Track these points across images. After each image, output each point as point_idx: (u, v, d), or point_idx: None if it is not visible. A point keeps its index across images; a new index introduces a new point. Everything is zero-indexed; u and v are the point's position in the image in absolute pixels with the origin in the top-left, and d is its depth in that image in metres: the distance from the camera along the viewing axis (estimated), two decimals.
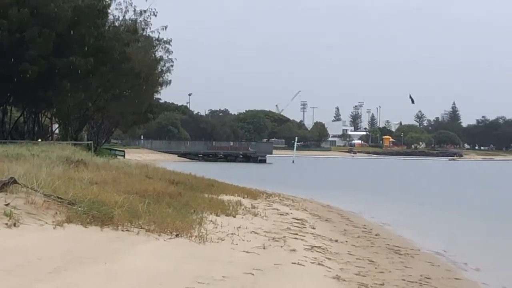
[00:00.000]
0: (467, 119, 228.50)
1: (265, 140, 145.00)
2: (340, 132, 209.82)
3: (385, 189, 50.52)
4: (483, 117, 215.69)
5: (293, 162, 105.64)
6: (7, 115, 49.09)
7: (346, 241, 18.37)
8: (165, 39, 59.13)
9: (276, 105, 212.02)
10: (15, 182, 12.84)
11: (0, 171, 15.12)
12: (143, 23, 54.95)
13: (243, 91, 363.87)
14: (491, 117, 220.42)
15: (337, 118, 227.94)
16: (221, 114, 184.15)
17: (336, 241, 17.71)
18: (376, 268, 13.80)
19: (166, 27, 57.97)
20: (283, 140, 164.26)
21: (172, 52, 60.66)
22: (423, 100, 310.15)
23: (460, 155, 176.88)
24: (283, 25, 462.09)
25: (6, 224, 10.74)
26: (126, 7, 53.10)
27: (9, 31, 39.31)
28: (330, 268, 12.36)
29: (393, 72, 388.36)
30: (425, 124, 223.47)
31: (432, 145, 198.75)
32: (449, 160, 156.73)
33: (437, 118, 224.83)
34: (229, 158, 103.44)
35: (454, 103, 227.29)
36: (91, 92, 48.32)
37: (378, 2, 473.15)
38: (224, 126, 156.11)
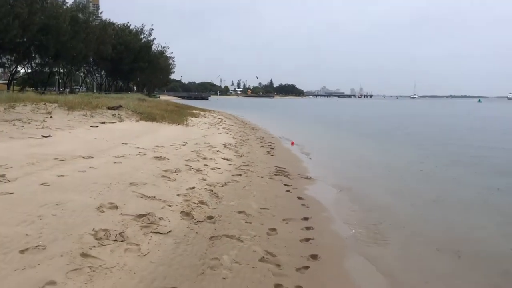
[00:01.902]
0: (276, 84, 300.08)
1: (208, 92, 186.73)
2: (233, 89, 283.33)
3: (251, 109, 64.22)
4: (280, 84, 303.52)
5: (217, 99, 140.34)
6: (117, 84, 67.97)
7: (236, 125, 24.02)
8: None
9: (220, 78, 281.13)
10: (120, 106, 17.38)
11: (116, 102, 18.83)
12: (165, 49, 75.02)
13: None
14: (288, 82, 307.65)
15: (232, 84, 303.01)
16: (192, 82, 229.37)
17: (232, 125, 23.04)
18: (246, 134, 19.12)
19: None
20: (213, 92, 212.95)
21: (174, 57, 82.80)
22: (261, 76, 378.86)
23: (272, 97, 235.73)
24: None
25: (119, 120, 15.38)
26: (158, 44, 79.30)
27: (118, 51, 55.61)
28: (231, 134, 17.65)
29: (255, 59, 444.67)
30: (262, 86, 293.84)
31: (262, 93, 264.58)
32: (270, 98, 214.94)
33: (266, 84, 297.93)
34: (195, 98, 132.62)
35: (271, 80, 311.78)
36: (149, 76, 70.69)
37: None
38: (193, 87, 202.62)
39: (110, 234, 4.51)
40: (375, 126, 30.25)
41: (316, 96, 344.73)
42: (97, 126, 13.45)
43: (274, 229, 5.60)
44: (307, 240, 5.39)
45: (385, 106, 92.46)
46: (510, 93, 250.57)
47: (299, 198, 7.66)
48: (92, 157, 8.34)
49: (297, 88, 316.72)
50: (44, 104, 16.18)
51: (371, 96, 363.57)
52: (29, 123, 12.08)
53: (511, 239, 6.18)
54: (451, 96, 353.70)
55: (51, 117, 13.71)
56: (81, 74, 67.40)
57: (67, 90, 51.68)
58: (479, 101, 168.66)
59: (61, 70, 52.86)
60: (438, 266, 5.05)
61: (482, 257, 5.41)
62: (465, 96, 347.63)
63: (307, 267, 4.54)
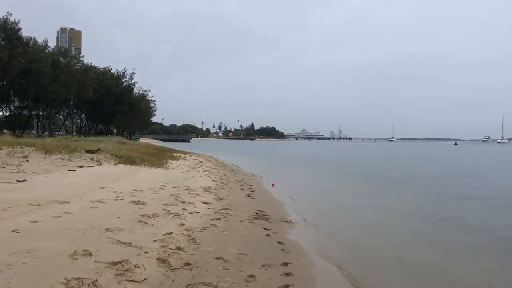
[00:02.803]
0: (257, 126, 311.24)
1: (189, 134, 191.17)
2: (215, 131, 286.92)
3: (232, 151, 64.35)
4: (261, 127, 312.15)
5: (199, 142, 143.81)
6: (98, 127, 67.17)
7: (216, 167, 23.81)
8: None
9: (201, 121, 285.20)
10: (99, 149, 17.18)
11: (95, 145, 18.84)
12: (146, 92, 75.05)
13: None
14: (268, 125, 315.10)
15: (214, 126, 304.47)
16: (174, 124, 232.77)
17: (213, 168, 22.91)
18: (226, 176, 18.95)
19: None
20: (195, 134, 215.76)
21: (155, 101, 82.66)
22: (242, 119, 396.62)
23: (254, 139, 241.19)
24: None
25: (97, 164, 15.17)
26: (140, 88, 74.75)
27: (99, 94, 55.73)
28: (211, 177, 17.52)
29: (236, 102, 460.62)
30: (243, 128, 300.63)
31: (243, 135, 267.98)
32: (251, 140, 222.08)
33: (247, 126, 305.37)
34: (176, 140, 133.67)
35: (252, 122, 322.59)
36: (129, 119, 69.42)
37: None
38: (174, 129, 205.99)
39: (82, 282, 4.35)
40: (354, 168, 30.51)
41: (296, 138, 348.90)
42: (74, 170, 13.17)
43: (253, 276, 5.48)
44: (287, 287, 5.29)
45: (364, 149, 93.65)
46: (485, 136, 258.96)
47: (279, 242, 7.56)
48: (68, 202, 8.14)
49: (277, 131, 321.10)
50: (21, 147, 15.85)
51: (350, 138, 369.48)
52: (4, 167, 11.78)
53: None
54: (428, 139, 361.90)
55: (27, 161, 13.42)
56: (61, 117, 66.99)
57: (46, 133, 51.06)
58: (455, 144, 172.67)
59: (41, 113, 52.41)
60: None
61: None
62: (442, 139, 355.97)
63: None
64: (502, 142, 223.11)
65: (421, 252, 7.69)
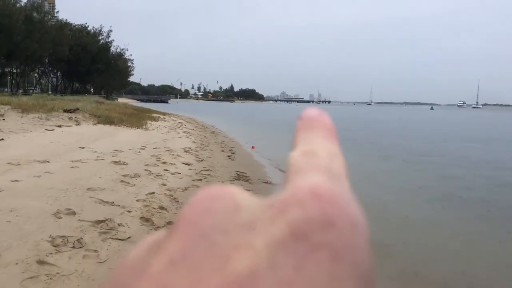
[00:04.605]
0: (237, 88, 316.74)
1: (168, 95, 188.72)
2: (193, 93, 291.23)
3: (215, 114, 63.23)
4: (241, 88, 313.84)
5: (177, 103, 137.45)
6: (74, 86, 67.04)
7: (196, 129, 23.29)
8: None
9: (180, 82, 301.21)
10: (77, 109, 16.87)
11: (73, 105, 18.26)
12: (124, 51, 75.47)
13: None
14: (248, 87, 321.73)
15: (192, 87, 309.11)
16: (152, 84, 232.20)
17: (193, 130, 22.38)
18: (206, 138, 18.80)
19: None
20: (173, 95, 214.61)
21: (133, 60, 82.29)
22: (222, 80, 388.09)
23: (233, 101, 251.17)
24: None
25: (75, 123, 15.20)
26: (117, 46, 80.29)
27: (75, 52, 55.13)
28: (191, 138, 17.28)
29: (216, 63, 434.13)
30: (223, 90, 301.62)
31: (222, 97, 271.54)
32: (230, 102, 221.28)
33: (227, 88, 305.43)
34: (155, 101, 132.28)
35: (232, 84, 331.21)
36: (107, 78, 68.68)
37: None
38: (152, 90, 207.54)
39: (67, 240, 4.41)
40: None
41: (276, 101, 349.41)
42: (53, 130, 13.02)
43: None
44: None
45: (342, 112, 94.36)
46: (460, 101, 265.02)
47: None
48: (48, 162, 8.08)
49: (257, 93, 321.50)
50: None
51: (329, 102, 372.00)
52: None
53: None
54: (406, 103, 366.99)
55: (3, 119, 13.17)
56: (36, 75, 65.15)
57: (20, 91, 49.71)
58: (432, 108, 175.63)
59: (14, 71, 50.82)
60: None
61: None
62: (419, 103, 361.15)
63: None
64: (477, 107, 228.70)
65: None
